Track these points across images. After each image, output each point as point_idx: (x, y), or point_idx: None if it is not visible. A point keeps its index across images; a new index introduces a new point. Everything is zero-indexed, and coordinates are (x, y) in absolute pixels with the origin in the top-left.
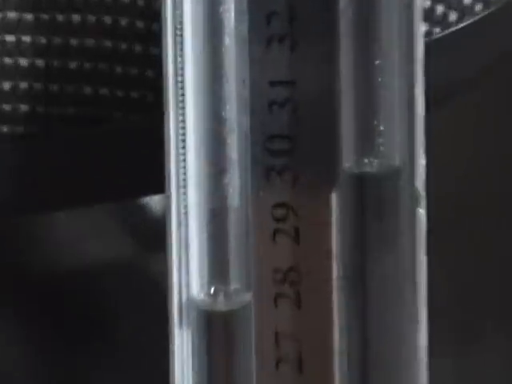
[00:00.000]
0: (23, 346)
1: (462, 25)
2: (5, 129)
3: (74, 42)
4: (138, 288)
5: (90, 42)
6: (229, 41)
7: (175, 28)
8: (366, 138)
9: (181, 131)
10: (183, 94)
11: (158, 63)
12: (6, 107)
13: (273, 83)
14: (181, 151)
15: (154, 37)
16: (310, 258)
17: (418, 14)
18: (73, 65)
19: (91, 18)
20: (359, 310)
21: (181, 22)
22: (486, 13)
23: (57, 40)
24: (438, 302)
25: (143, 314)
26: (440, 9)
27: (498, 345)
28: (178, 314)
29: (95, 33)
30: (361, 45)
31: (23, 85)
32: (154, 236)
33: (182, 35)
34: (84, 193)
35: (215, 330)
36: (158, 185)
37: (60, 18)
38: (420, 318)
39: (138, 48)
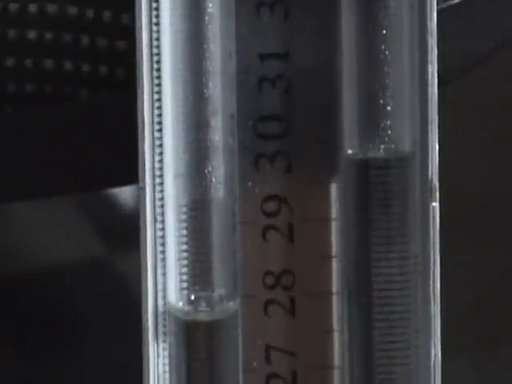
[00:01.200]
0: None
1: None
2: None
3: (32, 8)
4: (105, 293)
5: (51, 8)
6: (213, 7)
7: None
8: (372, 120)
9: (156, 112)
10: (159, 69)
11: (129, 33)
12: None
13: (263, 56)
14: (156, 135)
15: (125, 2)
16: (306, 259)
17: None
18: (31, 34)
19: None
20: (363, 321)
21: None
22: None
23: (13, 6)
24: (455, 309)
25: (111, 322)
26: None
27: None
28: (153, 324)
29: None
30: (365, 12)
31: None
32: (124, 233)
33: (157, 0)
34: (43, 182)
35: (196, 342)
36: (130, 174)
37: None
38: (433, 328)
39: (106, 15)
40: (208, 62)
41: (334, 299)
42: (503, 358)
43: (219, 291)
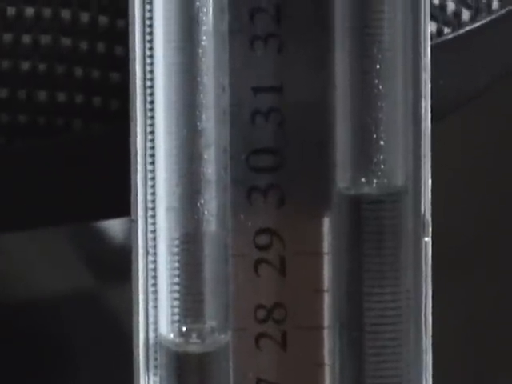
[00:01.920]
0: None
1: (475, 25)
2: None
3: (26, 38)
4: (96, 325)
5: (44, 39)
6: (206, 40)
7: (144, 25)
8: (365, 155)
9: (149, 144)
10: (152, 102)
11: (123, 65)
12: None
13: (256, 90)
14: (149, 168)
15: (119, 34)
16: (298, 293)
17: (426, 12)
18: (25, 66)
19: (47, 12)
20: (355, 356)
21: (151, 18)
22: (503, 12)
23: (7, 36)
24: (448, 344)
25: (102, 356)
26: (451, 5)
27: None
28: (145, 356)
29: (51, 29)
30: (359, 46)
31: None
32: (115, 265)
33: (151, 33)
34: (34, 213)
35: (187, 374)
36: (122, 206)
37: (11, 11)
38: (425, 363)
39: (100, 47)
40: (201, 95)
41: (326, 333)
42: None
43: (210, 323)
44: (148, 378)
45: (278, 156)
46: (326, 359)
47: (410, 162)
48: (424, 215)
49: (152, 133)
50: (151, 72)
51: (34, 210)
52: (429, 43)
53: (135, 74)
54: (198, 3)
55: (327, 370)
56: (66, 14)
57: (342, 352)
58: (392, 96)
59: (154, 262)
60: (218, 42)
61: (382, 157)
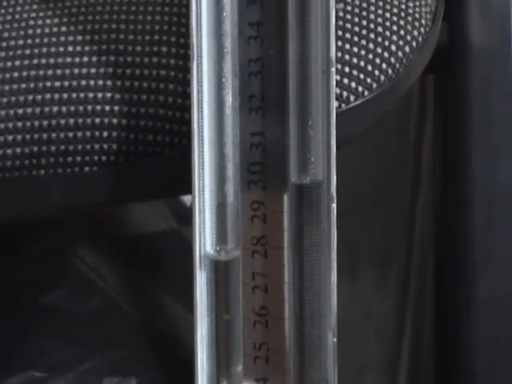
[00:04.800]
0: None
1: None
2: None
3: None
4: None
5: None
6: (228, 111)
7: (199, 109)
8: (303, 166)
9: (201, 159)
10: (203, 139)
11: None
12: None
13: (252, 134)
14: (201, 172)
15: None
16: (272, 231)
17: (332, 92)
18: None
19: None
20: (298, 262)
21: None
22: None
23: None
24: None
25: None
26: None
27: None
28: (199, 261)
29: None
30: (300, 116)
31: None
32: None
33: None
34: None
35: (219, 271)
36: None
37: None
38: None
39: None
40: (225, 137)
41: (285, 251)
42: None
43: (230, 245)
44: (201, 271)
45: (263, 166)
46: (285, 261)
47: (326, 164)
48: (332, 193)
49: (203, 153)
50: (202, 126)
51: None
52: (335, 108)
53: (195, 126)
54: (224, 92)
55: (286, 266)
56: None
57: (294, 262)
58: (317, 133)
59: (203, 218)
60: (234, 111)
61: (311, 166)
